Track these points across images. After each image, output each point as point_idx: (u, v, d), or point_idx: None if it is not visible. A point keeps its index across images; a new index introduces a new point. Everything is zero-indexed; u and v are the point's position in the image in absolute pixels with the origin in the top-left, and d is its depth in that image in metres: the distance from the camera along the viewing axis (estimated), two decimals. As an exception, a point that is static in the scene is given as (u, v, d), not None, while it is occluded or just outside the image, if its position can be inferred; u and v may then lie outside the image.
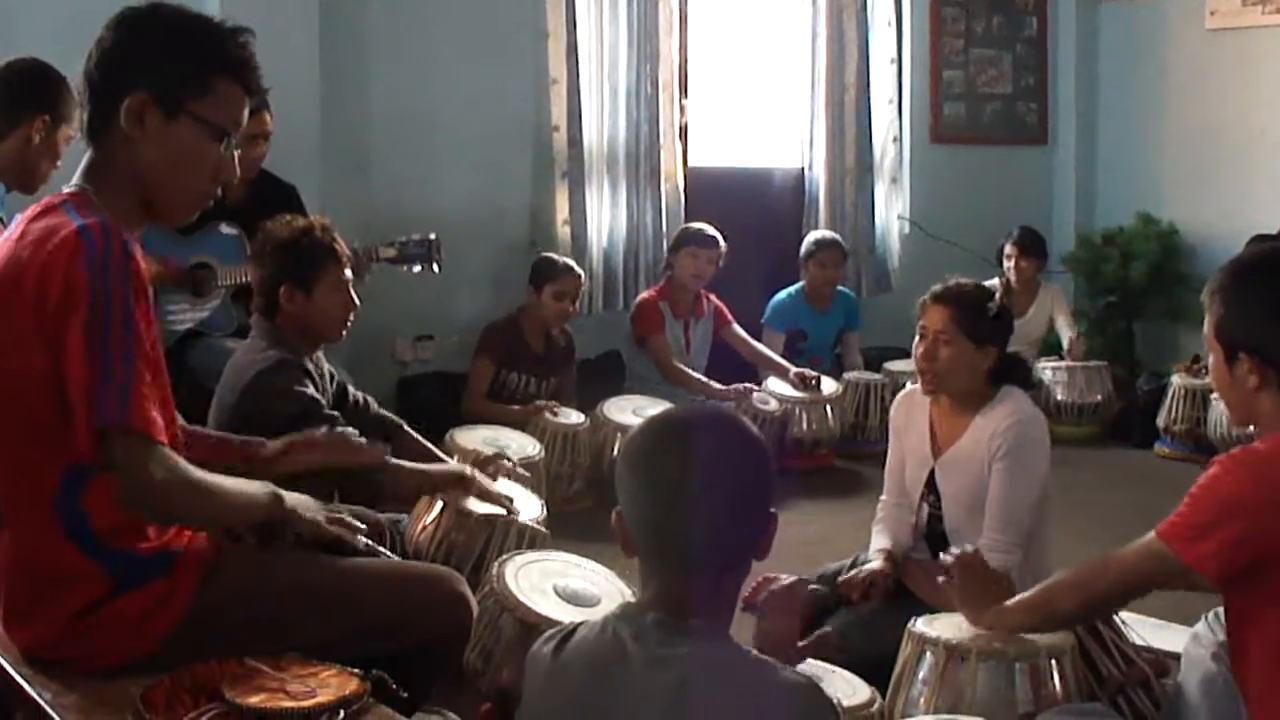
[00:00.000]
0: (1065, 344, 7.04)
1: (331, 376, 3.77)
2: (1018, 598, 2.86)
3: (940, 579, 3.01)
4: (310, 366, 3.60)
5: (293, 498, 2.61)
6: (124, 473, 2.21)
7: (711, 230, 6.36)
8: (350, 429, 3.46)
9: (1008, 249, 7.12)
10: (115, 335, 2.20)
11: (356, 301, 3.68)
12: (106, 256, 2.21)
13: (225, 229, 4.74)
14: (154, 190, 2.39)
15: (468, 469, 3.61)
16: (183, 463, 2.29)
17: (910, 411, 3.81)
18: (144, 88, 2.32)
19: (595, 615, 2.06)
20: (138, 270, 2.26)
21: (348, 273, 3.67)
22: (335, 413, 3.53)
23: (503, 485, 3.73)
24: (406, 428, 3.87)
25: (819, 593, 3.59)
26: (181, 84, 2.34)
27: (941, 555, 3.07)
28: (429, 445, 3.88)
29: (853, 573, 3.69)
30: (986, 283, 6.80)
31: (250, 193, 4.87)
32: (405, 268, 4.97)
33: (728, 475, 1.92)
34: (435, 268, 4.99)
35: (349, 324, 3.68)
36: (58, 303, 2.20)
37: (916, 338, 3.68)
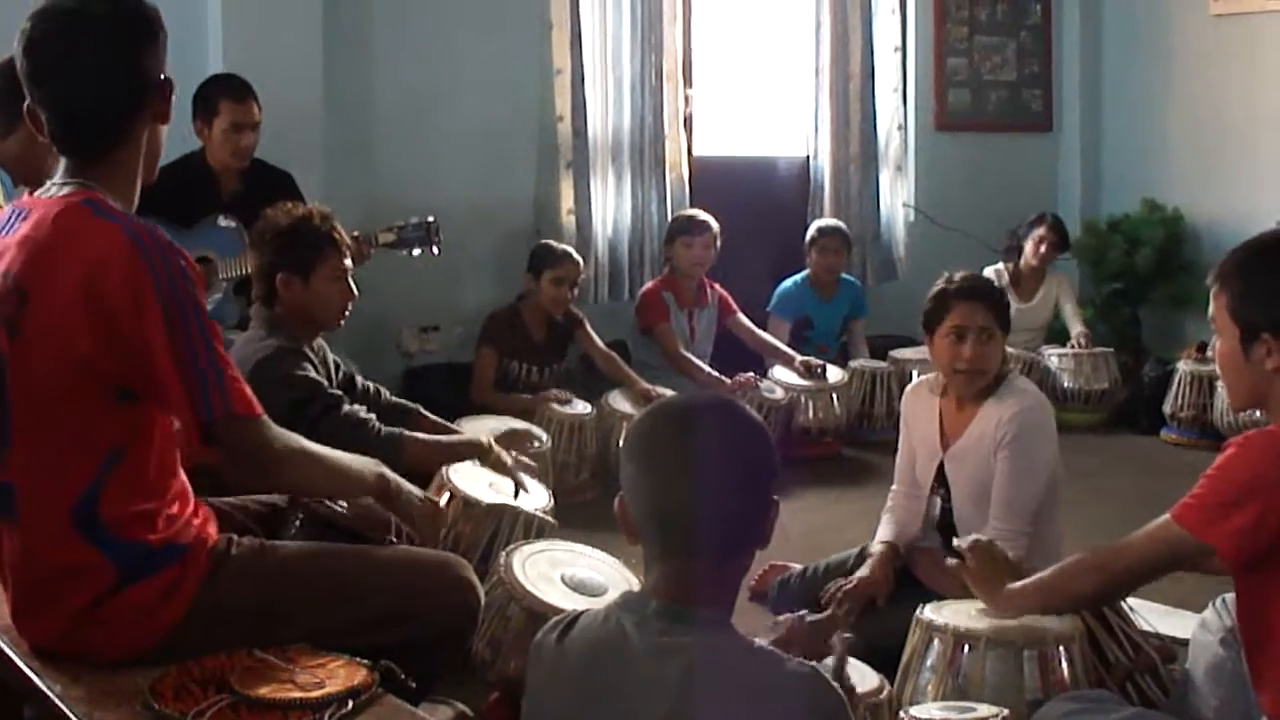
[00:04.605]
0: (1073, 336, 7.02)
1: (337, 366, 3.77)
2: (1031, 579, 2.85)
3: (952, 562, 3.00)
4: (311, 353, 3.59)
5: (397, 480, 2.77)
6: (243, 454, 2.33)
7: (702, 215, 6.36)
8: (358, 407, 3.47)
9: (1040, 231, 7.05)
10: (194, 329, 2.27)
11: (355, 290, 3.68)
12: (164, 256, 2.26)
13: (223, 221, 4.78)
14: (151, 169, 2.49)
15: (484, 439, 3.61)
16: (289, 433, 2.43)
17: (919, 404, 3.80)
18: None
19: (602, 605, 2.06)
20: (191, 262, 2.32)
21: (347, 261, 3.66)
22: (339, 393, 3.54)
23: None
24: (424, 411, 3.86)
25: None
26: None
27: (955, 541, 3.06)
28: (449, 426, 3.87)
29: (851, 581, 3.65)
30: (988, 269, 6.87)
31: (245, 183, 4.95)
32: (405, 252, 4.96)
33: (727, 459, 1.92)
34: (435, 250, 4.98)
35: (347, 312, 3.68)
36: (124, 305, 2.22)
37: (949, 336, 3.59)
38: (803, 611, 2.67)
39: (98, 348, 2.24)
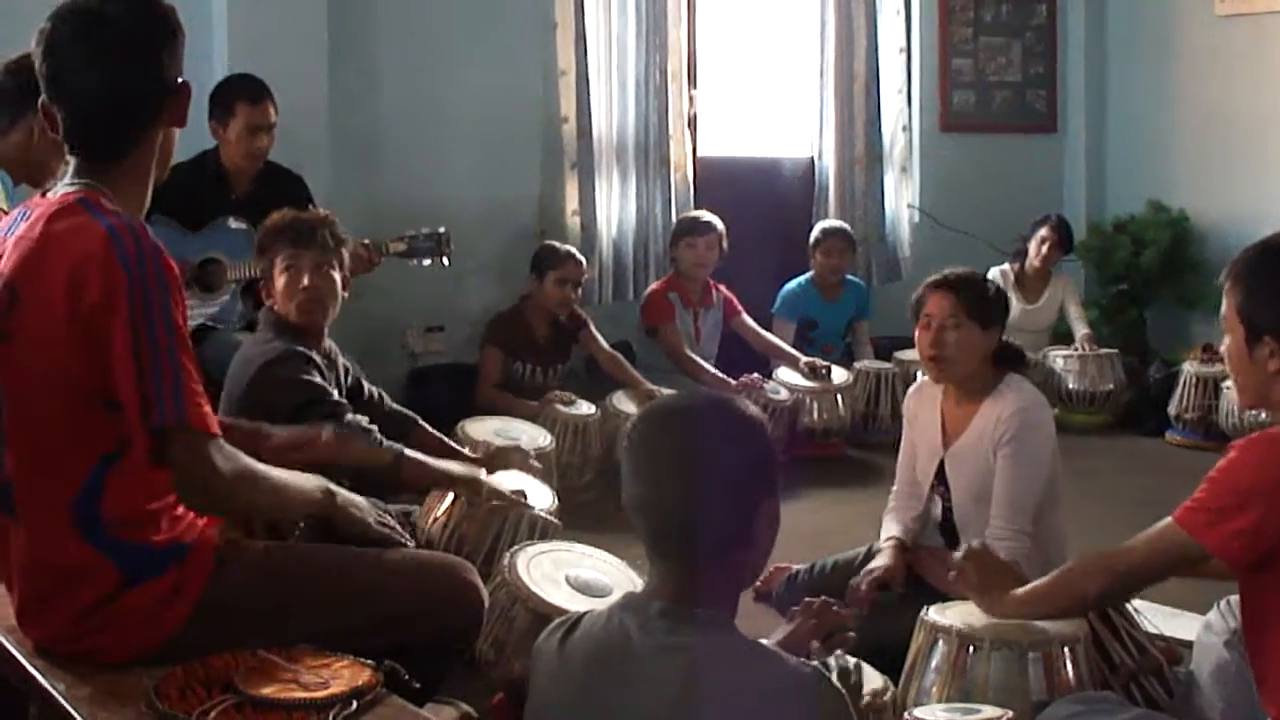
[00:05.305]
0: (1077, 339, 7.01)
1: (346, 370, 3.77)
2: (1031, 585, 2.85)
3: (951, 575, 3.00)
4: (317, 356, 3.58)
5: (344, 495, 2.70)
6: (186, 469, 2.26)
7: (706, 216, 6.37)
8: (361, 417, 3.46)
9: (1044, 232, 7.07)
10: (161, 335, 2.22)
11: (305, 280, 3.57)
12: (141, 257, 2.23)
13: (233, 223, 4.80)
14: (162, 171, 2.47)
15: (481, 473, 3.54)
16: (240, 455, 2.35)
17: (922, 403, 3.84)
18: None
19: (606, 605, 2.06)
20: (170, 267, 2.28)
21: (328, 256, 3.61)
22: (344, 400, 3.53)
23: (514, 477, 3.72)
24: (421, 422, 3.86)
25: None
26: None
27: (954, 555, 3.06)
28: (444, 439, 3.87)
29: (862, 579, 3.66)
30: (993, 269, 6.87)
31: (257, 185, 4.95)
32: (415, 261, 4.97)
33: (714, 458, 1.91)
34: (445, 261, 5.00)
35: (313, 304, 3.58)
36: (97, 305, 2.20)
37: (923, 326, 3.69)
38: (826, 598, 2.65)
39: (76, 358, 2.22)
